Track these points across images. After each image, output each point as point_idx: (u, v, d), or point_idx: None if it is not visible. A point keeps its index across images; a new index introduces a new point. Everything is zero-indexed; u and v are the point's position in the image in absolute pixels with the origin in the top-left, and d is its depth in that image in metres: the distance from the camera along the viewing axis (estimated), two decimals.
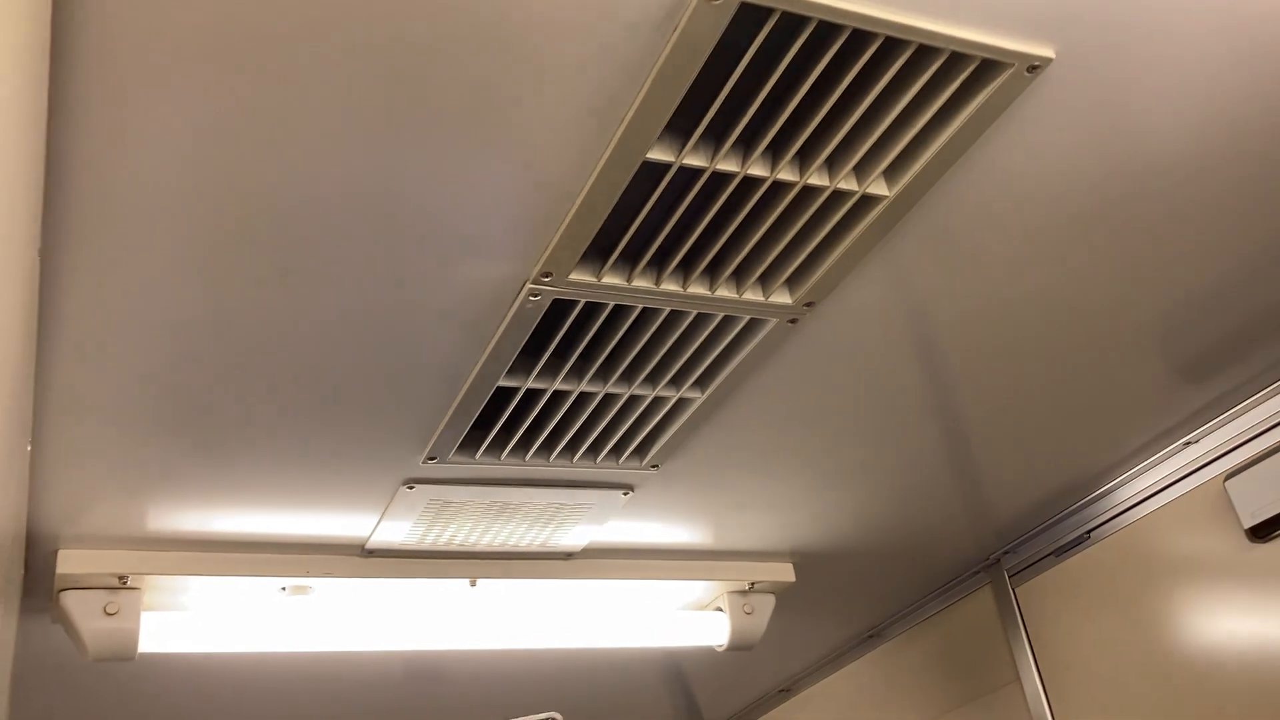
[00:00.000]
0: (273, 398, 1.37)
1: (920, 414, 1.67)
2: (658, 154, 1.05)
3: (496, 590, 1.88)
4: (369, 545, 1.75)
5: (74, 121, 0.94)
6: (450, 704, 2.53)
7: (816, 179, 1.12)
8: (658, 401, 1.50)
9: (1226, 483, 1.74)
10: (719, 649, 2.05)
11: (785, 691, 2.79)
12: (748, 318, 1.32)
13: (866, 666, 2.56)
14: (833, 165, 1.12)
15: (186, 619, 1.73)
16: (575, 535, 1.83)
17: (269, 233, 1.09)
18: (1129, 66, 1.07)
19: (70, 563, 1.63)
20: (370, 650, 1.87)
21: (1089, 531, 2.02)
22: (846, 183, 1.13)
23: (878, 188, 1.15)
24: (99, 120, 0.94)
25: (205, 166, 1.00)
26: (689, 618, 2.04)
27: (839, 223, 1.19)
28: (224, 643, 1.75)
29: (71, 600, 1.65)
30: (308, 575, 1.75)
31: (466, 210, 1.10)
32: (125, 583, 1.66)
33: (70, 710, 2.14)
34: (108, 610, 1.66)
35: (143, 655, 1.70)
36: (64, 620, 1.66)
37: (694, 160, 1.07)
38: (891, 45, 0.99)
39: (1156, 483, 1.89)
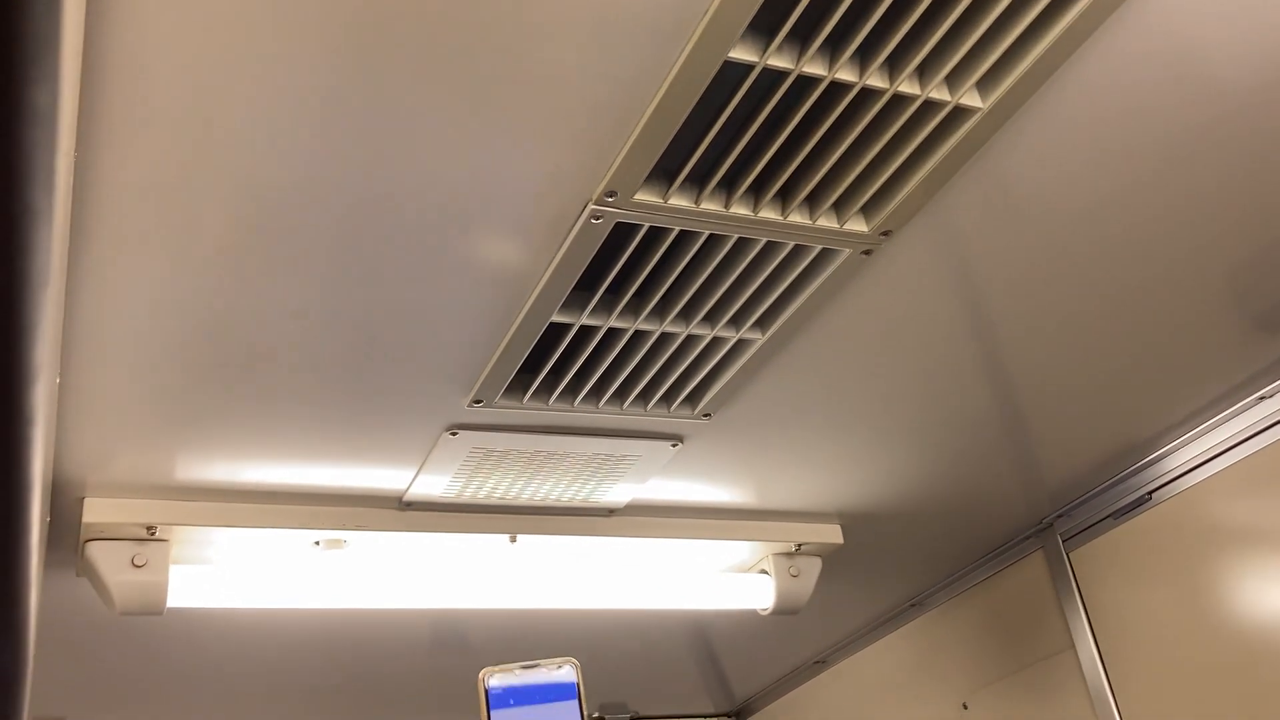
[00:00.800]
0: (311, 338, 1.30)
1: (977, 368, 1.60)
2: (740, 53, 0.97)
3: (536, 546, 1.81)
4: (406, 498, 1.68)
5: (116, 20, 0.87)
6: (473, 668, 2.47)
7: (907, 86, 1.04)
8: (716, 342, 1.42)
9: None
10: (764, 613, 1.98)
11: (820, 663, 2.72)
12: (819, 247, 1.25)
13: (907, 637, 2.48)
14: (924, 73, 1.04)
15: (216, 572, 1.67)
16: (618, 491, 1.76)
17: (319, 150, 1.02)
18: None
19: (97, 511, 1.56)
20: (406, 608, 1.80)
21: (1149, 494, 1.94)
22: (939, 92, 1.05)
23: (971, 99, 1.07)
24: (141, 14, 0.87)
25: (256, 100, 0.93)
26: (733, 579, 1.97)
27: (928, 137, 1.11)
28: (255, 598, 1.69)
29: (98, 551, 1.59)
30: (342, 529, 1.68)
31: (525, 120, 1.02)
32: (154, 534, 1.60)
33: (97, 665, 2.08)
34: (135, 562, 1.59)
35: (170, 609, 1.63)
36: (90, 572, 1.60)
37: (779, 61, 0.99)
38: None
39: (1224, 440, 1.81)
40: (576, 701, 1.14)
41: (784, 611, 1.97)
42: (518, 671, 1.15)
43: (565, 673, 1.14)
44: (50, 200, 0.31)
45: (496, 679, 1.14)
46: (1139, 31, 1.04)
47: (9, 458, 0.41)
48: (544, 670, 1.16)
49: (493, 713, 1.13)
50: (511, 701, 1.14)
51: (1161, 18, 1.03)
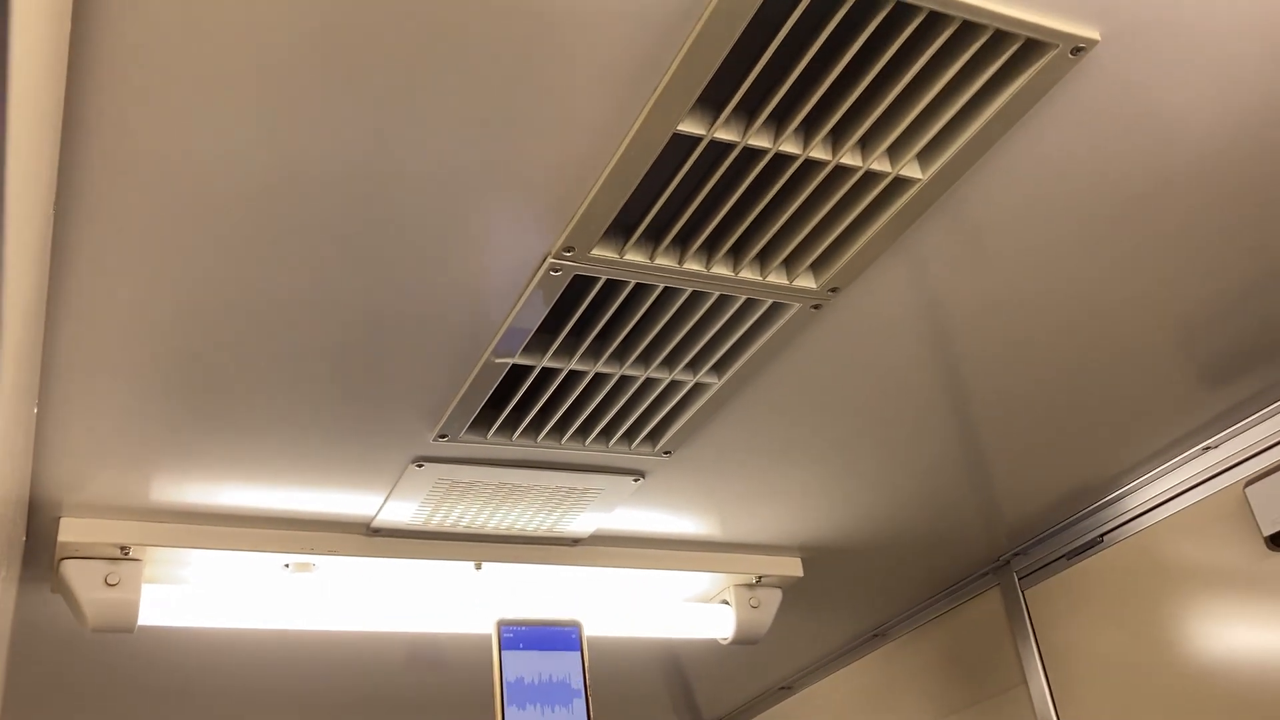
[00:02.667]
0: (283, 369, 1.35)
1: (936, 411, 1.65)
2: (689, 126, 1.02)
3: (502, 574, 1.86)
4: (375, 524, 1.73)
5: (93, 78, 0.92)
6: (449, 690, 2.51)
7: (849, 159, 1.09)
8: (674, 385, 1.47)
9: (1247, 489, 1.72)
10: (724, 642, 2.03)
11: (786, 689, 2.77)
12: (770, 301, 1.30)
13: (869, 666, 2.53)
14: (866, 145, 1.10)
15: (188, 592, 1.71)
16: (583, 521, 1.81)
17: (285, 203, 1.07)
18: (1174, 53, 1.04)
19: (72, 531, 1.61)
20: (373, 630, 1.84)
21: (1102, 535, 1.99)
22: (880, 164, 1.11)
23: (911, 170, 1.12)
24: (118, 79, 0.92)
25: (225, 136, 0.98)
26: (694, 609, 2.02)
27: (870, 205, 1.16)
28: (225, 618, 1.73)
29: (72, 569, 1.63)
30: (312, 552, 1.72)
31: (488, 181, 1.08)
32: (127, 553, 1.64)
33: (67, 681, 2.12)
34: (109, 581, 1.64)
35: (142, 628, 1.68)
36: (64, 590, 1.64)
37: (725, 134, 1.04)
38: (934, 20, 0.96)
39: (1173, 487, 1.87)
40: (579, 654, 1.30)
41: (743, 641, 2.02)
42: (530, 622, 1.32)
43: (571, 630, 1.30)
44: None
45: (510, 626, 1.30)
46: (1077, 104, 1.09)
47: None
48: (553, 625, 1.32)
49: (504, 652, 1.28)
50: (521, 645, 1.29)
51: (1101, 90, 1.08)
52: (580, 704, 1.26)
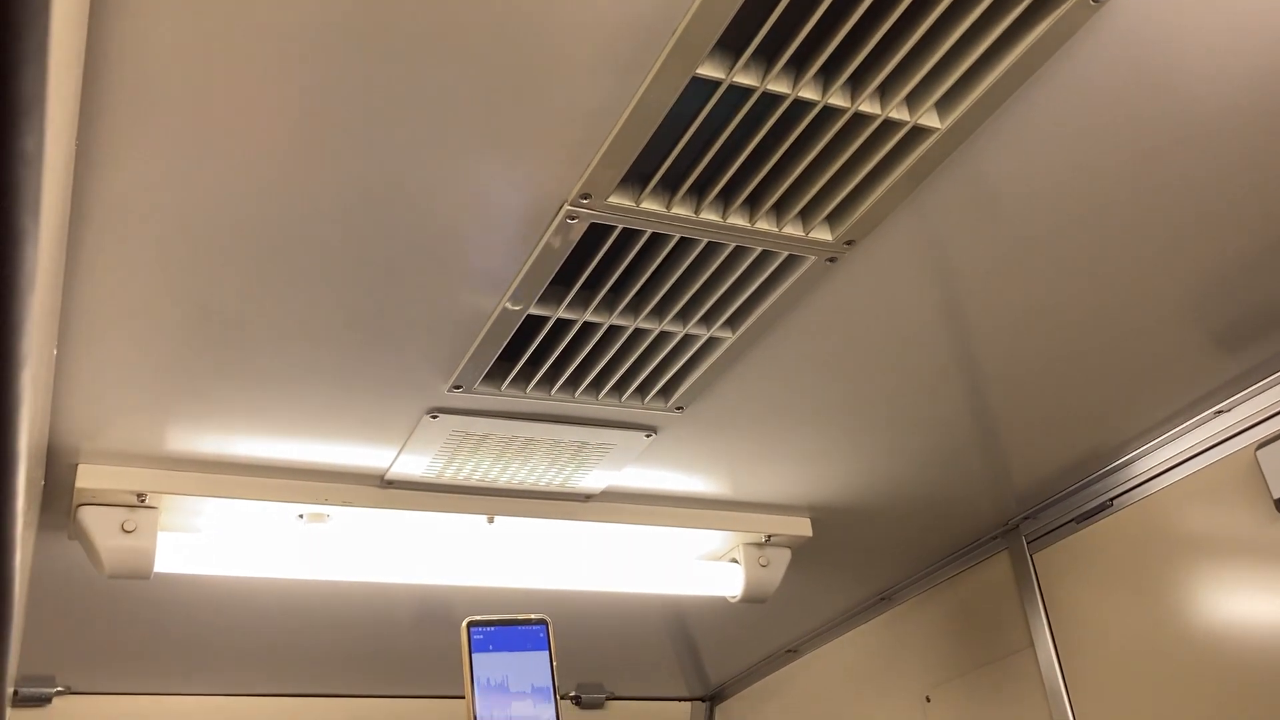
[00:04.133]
0: (300, 320, 1.36)
1: (946, 371, 1.65)
2: (708, 70, 1.02)
3: (513, 529, 1.87)
4: (388, 476, 1.74)
5: (115, 12, 0.92)
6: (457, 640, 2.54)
7: (868, 106, 1.09)
8: (687, 339, 1.48)
9: (1258, 452, 1.72)
10: (732, 599, 2.04)
11: (792, 652, 2.79)
12: (786, 254, 1.30)
13: (876, 629, 2.55)
14: (885, 92, 1.10)
15: (204, 541, 1.73)
16: (595, 478, 1.82)
17: (306, 147, 1.08)
18: (1197, 4, 1.04)
19: (90, 477, 1.62)
20: (384, 582, 1.86)
21: (1111, 499, 2.00)
22: (898, 112, 1.11)
23: (929, 119, 1.12)
24: (141, 10, 0.92)
25: (247, 65, 0.98)
26: (704, 567, 2.03)
27: (887, 155, 1.16)
28: (240, 567, 1.75)
29: (89, 516, 1.65)
30: (326, 503, 1.74)
31: (504, 126, 1.08)
32: (143, 501, 1.66)
33: (83, 626, 2.15)
34: (125, 528, 1.66)
35: (157, 575, 1.70)
36: (81, 536, 1.66)
37: (744, 79, 1.04)
38: None
39: (1183, 451, 1.87)
40: (547, 653, 1.32)
41: (752, 599, 2.04)
42: (497, 623, 1.33)
43: (538, 628, 1.32)
44: (36, 223, 0.37)
45: (479, 627, 1.32)
46: (1095, 54, 1.09)
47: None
48: (521, 624, 1.33)
49: (474, 655, 1.30)
50: (490, 647, 1.31)
51: (1121, 40, 1.08)
52: (549, 704, 1.30)
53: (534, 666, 1.32)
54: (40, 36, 0.31)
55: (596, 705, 2.93)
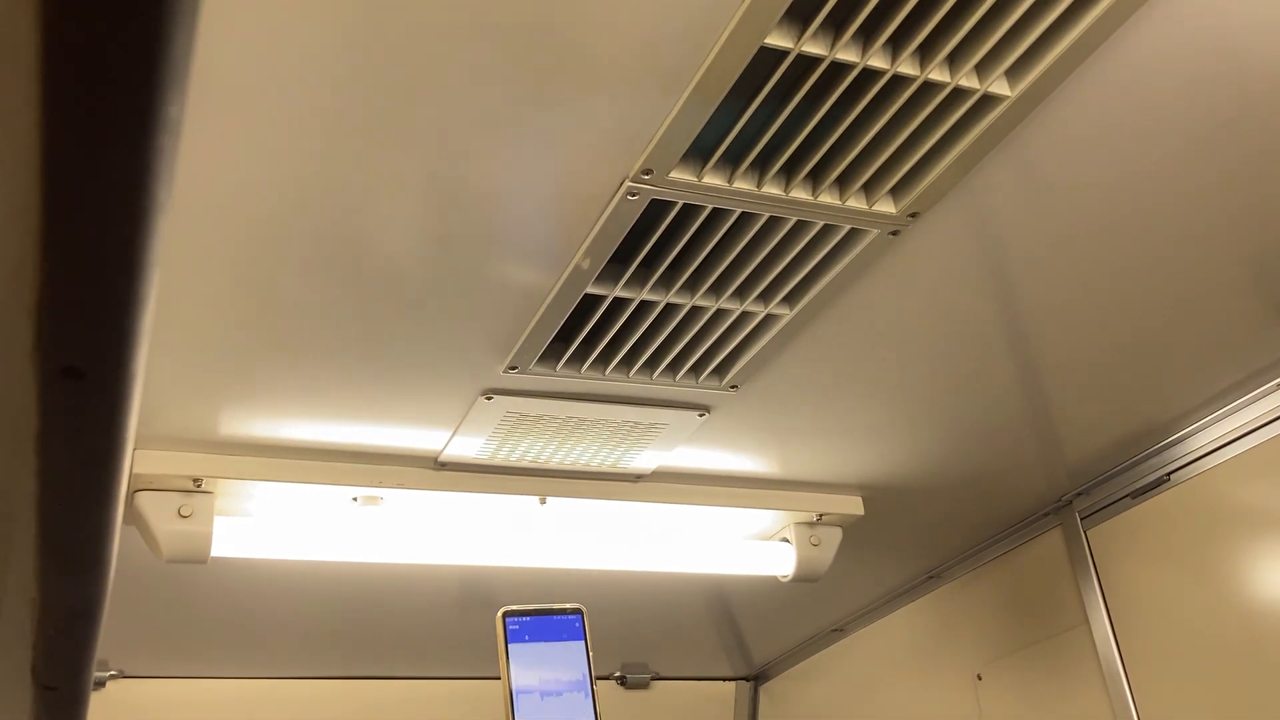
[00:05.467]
0: (355, 303, 1.35)
1: (1003, 345, 1.63)
2: (776, 39, 1.00)
3: (565, 509, 1.87)
4: (442, 458, 1.74)
5: None
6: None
7: (937, 74, 1.07)
8: (744, 317, 1.46)
9: None
10: (784, 579, 2.03)
11: (838, 631, 2.78)
12: (848, 227, 1.28)
13: (924, 608, 2.53)
14: (954, 61, 1.07)
15: (259, 524, 1.74)
16: (646, 458, 1.81)
17: (365, 127, 1.07)
18: None
19: (146, 463, 1.63)
20: (435, 564, 1.86)
21: (1168, 475, 1.97)
22: (968, 80, 1.08)
23: (999, 87, 1.10)
24: None
25: (320, 44, 0.97)
26: (755, 546, 2.02)
27: (955, 124, 1.14)
28: (295, 550, 1.76)
29: (146, 501, 1.66)
30: (380, 486, 1.74)
31: (566, 101, 1.07)
32: (199, 485, 1.67)
33: (137, 611, 2.17)
34: (182, 512, 1.66)
35: (213, 559, 1.70)
36: (138, 521, 1.67)
37: (813, 48, 1.02)
38: None
39: (1242, 426, 1.83)
40: (583, 643, 1.31)
41: (804, 579, 2.03)
42: (533, 613, 1.32)
43: (574, 618, 1.31)
44: (170, 196, 0.36)
45: (514, 617, 1.31)
46: (1170, 20, 1.06)
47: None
48: (556, 614, 1.33)
49: (510, 645, 1.29)
50: (526, 637, 1.30)
51: (1194, 6, 1.05)
52: (586, 694, 1.30)
53: (570, 656, 1.31)
54: (192, 1, 0.29)
55: (641, 685, 2.93)
